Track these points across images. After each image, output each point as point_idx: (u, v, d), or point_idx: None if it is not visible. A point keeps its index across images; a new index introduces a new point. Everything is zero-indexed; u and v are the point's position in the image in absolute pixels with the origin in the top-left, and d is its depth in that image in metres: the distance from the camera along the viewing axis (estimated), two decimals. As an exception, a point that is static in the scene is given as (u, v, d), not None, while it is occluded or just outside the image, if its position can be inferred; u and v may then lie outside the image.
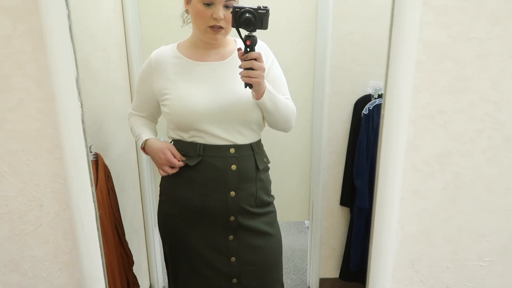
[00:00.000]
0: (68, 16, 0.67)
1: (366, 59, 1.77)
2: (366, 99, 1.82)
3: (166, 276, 2.29)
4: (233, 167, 1.16)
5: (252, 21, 0.99)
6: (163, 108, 1.19)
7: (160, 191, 1.30)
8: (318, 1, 1.78)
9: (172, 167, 1.19)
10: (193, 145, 1.16)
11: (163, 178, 1.27)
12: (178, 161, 1.17)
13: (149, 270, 2.11)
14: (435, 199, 0.79)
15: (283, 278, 1.39)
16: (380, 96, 1.80)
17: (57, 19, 0.67)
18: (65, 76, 0.68)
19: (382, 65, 0.73)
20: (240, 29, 1.03)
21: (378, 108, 1.77)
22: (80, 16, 1.33)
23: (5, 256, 0.81)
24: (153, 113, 1.31)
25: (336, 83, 1.82)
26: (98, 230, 0.75)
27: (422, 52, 0.70)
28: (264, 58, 1.14)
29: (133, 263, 1.52)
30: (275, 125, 1.21)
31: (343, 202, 2.02)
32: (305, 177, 2.10)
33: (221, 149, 1.15)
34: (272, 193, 1.30)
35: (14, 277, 0.82)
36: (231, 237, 1.21)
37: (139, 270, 1.91)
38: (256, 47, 1.05)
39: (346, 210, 2.04)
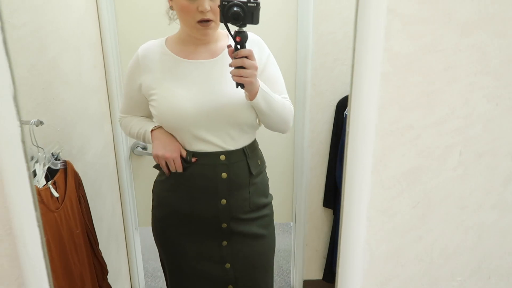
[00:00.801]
0: (1, 28, 0.62)
1: (348, 58, 1.72)
2: (348, 99, 1.78)
3: (147, 280, 2.26)
4: (224, 175, 1.10)
5: (241, 15, 0.90)
6: (150, 109, 1.13)
7: (152, 196, 1.26)
8: (299, 0, 1.73)
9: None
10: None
11: (155, 182, 1.24)
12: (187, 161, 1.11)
13: (130, 274, 2.08)
14: (405, 218, 0.75)
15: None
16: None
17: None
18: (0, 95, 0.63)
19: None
20: (230, 25, 0.94)
21: (359, 110, 1.73)
22: (48, 18, 1.27)
23: None
24: (146, 114, 1.23)
25: (318, 83, 1.77)
26: (45, 257, 0.70)
27: (388, 63, 0.66)
28: (258, 54, 1.08)
29: (107, 272, 1.48)
30: (271, 126, 1.14)
31: (326, 203, 1.99)
32: (288, 178, 2.07)
33: (211, 156, 1.09)
34: None
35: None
36: (224, 242, 1.17)
37: (119, 275, 1.88)
38: (250, 42, 0.97)
39: (329, 211, 2.02)
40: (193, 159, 1.11)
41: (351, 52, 0.60)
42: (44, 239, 0.68)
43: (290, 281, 2.25)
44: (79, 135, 1.47)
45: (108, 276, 1.42)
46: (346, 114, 1.75)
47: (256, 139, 1.24)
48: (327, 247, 2.05)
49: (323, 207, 2.01)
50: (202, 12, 0.99)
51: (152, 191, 1.26)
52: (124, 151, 1.88)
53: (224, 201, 1.12)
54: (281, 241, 2.72)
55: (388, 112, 0.68)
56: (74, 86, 1.46)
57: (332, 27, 1.69)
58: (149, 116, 1.23)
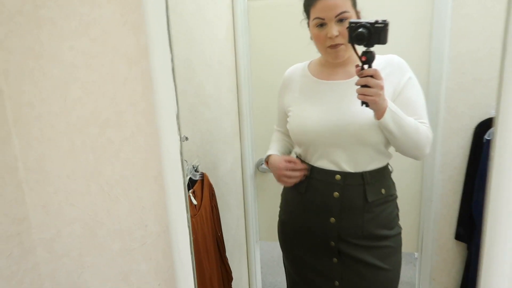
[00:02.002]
0: (172, 59, 0.75)
1: (490, 79, 1.57)
2: (488, 122, 1.61)
3: (265, 292, 2.34)
4: (336, 194, 1.12)
5: (365, 36, 0.93)
6: (287, 125, 1.24)
7: (280, 199, 1.37)
8: (434, 20, 1.65)
9: (291, 177, 1.20)
10: (306, 165, 1.19)
11: (283, 189, 1.33)
12: (300, 170, 1.19)
13: (249, 285, 2.18)
14: None
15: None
16: (506, 120, 1.58)
17: (163, 63, 0.75)
18: (167, 114, 0.76)
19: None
20: (357, 45, 0.98)
21: (503, 134, 1.56)
22: (198, 48, 1.47)
23: (116, 267, 0.93)
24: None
25: (453, 105, 1.65)
26: (191, 254, 0.81)
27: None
28: (398, 75, 1.10)
29: (232, 278, 1.59)
30: (402, 150, 1.11)
31: (459, 236, 1.81)
32: (416, 206, 1.94)
33: (327, 174, 1.13)
34: None
35: (123, 286, 0.94)
36: (335, 259, 1.18)
37: (239, 284, 1.99)
38: (390, 64, 1.02)
39: (462, 245, 1.83)
40: (301, 165, 1.18)
41: (494, 71, 0.57)
42: (192, 237, 0.79)
43: (414, 316, 2.08)
44: (214, 151, 1.64)
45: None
46: (486, 139, 1.59)
47: (389, 169, 1.21)
48: (459, 284, 1.85)
49: (454, 239, 1.83)
50: (330, 38, 1.06)
51: (281, 194, 1.35)
52: (250, 167, 2.01)
53: (333, 219, 1.13)
54: (404, 273, 2.55)
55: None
56: (213, 107, 1.63)
57: (471, 45, 1.57)
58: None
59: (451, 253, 1.85)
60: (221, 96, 1.72)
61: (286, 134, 1.34)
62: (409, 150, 1.09)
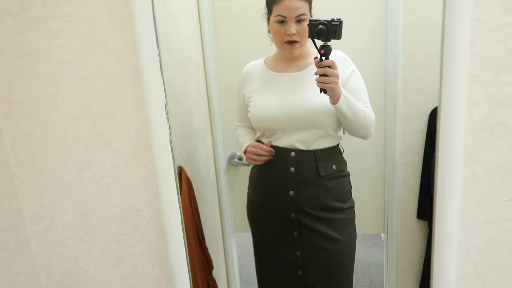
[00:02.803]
0: (159, 55, 0.82)
1: (440, 68, 1.73)
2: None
3: (242, 285, 2.41)
4: (292, 169, 1.26)
5: (324, 32, 1.08)
6: (248, 114, 1.36)
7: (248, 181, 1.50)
8: (387, 13, 1.80)
9: (258, 155, 1.32)
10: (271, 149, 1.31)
11: (250, 171, 1.47)
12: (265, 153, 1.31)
13: (227, 277, 2.24)
14: (500, 211, 0.79)
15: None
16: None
17: (150, 58, 0.82)
18: (156, 104, 0.83)
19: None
20: (316, 40, 1.12)
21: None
22: (167, 45, 1.53)
23: (111, 252, 0.98)
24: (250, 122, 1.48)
25: (409, 93, 1.80)
26: (183, 233, 0.88)
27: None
28: (342, 68, 1.24)
29: (212, 267, 1.65)
30: (353, 132, 1.28)
31: (421, 215, 1.96)
32: (380, 189, 2.08)
33: (284, 151, 1.27)
34: None
35: (117, 270, 0.99)
36: (295, 233, 1.31)
37: (218, 276, 2.05)
38: (337, 59, 1.14)
39: (423, 223, 1.98)
40: (268, 143, 1.31)
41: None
42: (183, 219, 0.86)
43: (383, 294, 2.23)
44: (187, 147, 1.70)
45: (210, 273, 1.59)
46: (439, 124, 1.75)
47: (340, 148, 1.37)
48: (422, 261, 2.00)
49: (417, 219, 1.97)
50: (289, 35, 1.20)
51: (249, 176, 1.49)
52: (222, 161, 2.08)
53: (291, 192, 1.27)
54: (373, 254, 2.71)
55: (478, 110, 0.74)
56: (184, 104, 1.70)
57: (423, 37, 1.72)
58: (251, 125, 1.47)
59: (414, 231, 1.99)
60: (191, 92, 1.78)
61: (248, 127, 1.47)
62: (359, 131, 1.27)
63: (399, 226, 1.98)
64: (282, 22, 1.20)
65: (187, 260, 0.91)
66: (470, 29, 0.67)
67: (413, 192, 1.94)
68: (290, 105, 1.24)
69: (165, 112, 0.85)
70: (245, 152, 1.40)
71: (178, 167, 1.44)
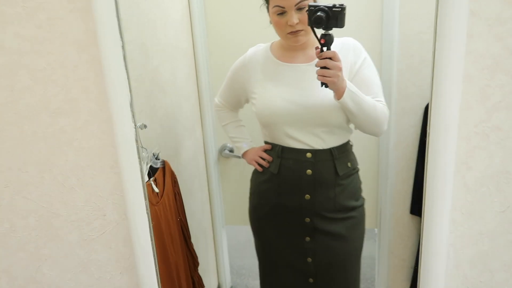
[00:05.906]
0: (123, 46, 0.74)
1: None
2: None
3: (233, 277, 2.38)
4: (308, 171, 1.18)
5: (323, 19, 0.96)
6: (251, 106, 1.26)
7: (250, 184, 1.40)
8: (384, 5, 1.71)
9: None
10: (275, 146, 1.23)
11: (252, 173, 1.37)
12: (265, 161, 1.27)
13: (217, 269, 2.21)
14: (493, 223, 0.72)
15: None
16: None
17: (113, 50, 0.74)
18: (120, 101, 0.76)
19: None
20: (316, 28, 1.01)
21: (449, 113, 1.65)
22: (150, 34, 1.44)
23: (75, 258, 0.92)
24: (237, 106, 1.40)
25: (404, 86, 1.73)
26: (151, 239, 0.82)
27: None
28: (353, 57, 1.15)
29: (198, 264, 1.61)
30: (362, 128, 1.17)
31: (414, 210, 1.91)
32: (373, 183, 2.03)
33: (298, 153, 1.18)
34: None
35: (83, 277, 0.94)
36: (307, 238, 1.24)
37: (207, 269, 2.01)
38: (345, 46, 1.06)
39: (417, 218, 1.93)
40: (268, 147, 1.25)
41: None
42: (151, 224, 0.80)
43: (374, 289, 2.20)
44: (174, 138, 1.64)
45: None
46: (435, 118, 1.68)
47: (351, 144, 1.28)
48: (415, 256, 1.96)
49: (410, 214, 1.93)
50: (290, 25, 1.09)
51: (250, 179, 1.39)
52: (213, 153, 2.02)
53: (308, 196, 1.18)
54: (365, 248, 2.67)
55: (472, 113, 0.67)
56: (170, 93, 1.62)
57: (419, 27, 1.64)
58: (236, 108, 1.41)
59: (407, 227, 1.95)
60: (178, 81, 1.71)
61: (230, 109, 1.40)
62: (368, 127, 1.15)
63: (392, 221, 1.95)
64: (281, 13, 1.08)
65: (156, 268, 0.85)
66: (466, 24, 0.59)
67: (406, 186, 1.89)
68: (299, 100, 1.14)
69: (130, 110, 0.77)
70: (243, 155, 1.34)
71: (161, 161, 1.37)
